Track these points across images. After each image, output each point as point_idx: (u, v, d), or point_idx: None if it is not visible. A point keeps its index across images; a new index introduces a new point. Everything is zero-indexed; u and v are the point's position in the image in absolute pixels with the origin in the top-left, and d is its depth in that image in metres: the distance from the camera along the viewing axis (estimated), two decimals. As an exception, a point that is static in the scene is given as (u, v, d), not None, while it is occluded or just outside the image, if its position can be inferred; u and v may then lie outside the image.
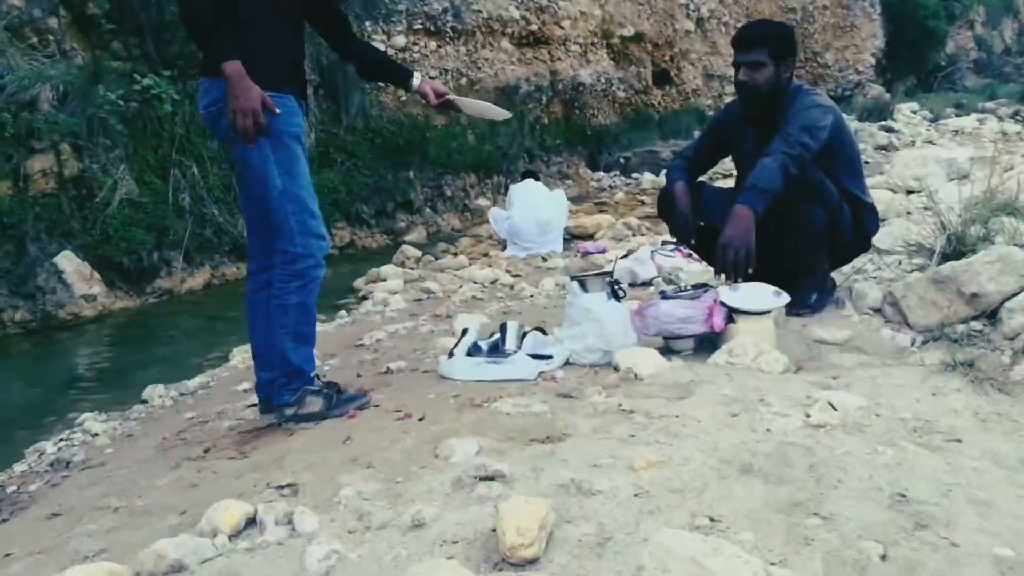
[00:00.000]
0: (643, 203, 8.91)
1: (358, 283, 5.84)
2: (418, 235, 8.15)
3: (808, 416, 1.80)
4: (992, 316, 2.53)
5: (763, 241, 2.81)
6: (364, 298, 5.37)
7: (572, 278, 2.73)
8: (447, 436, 1.99)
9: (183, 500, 1.87)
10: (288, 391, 2.35)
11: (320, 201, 7.81)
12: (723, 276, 2.42)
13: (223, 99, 2.15)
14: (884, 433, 1.68)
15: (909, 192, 6.78)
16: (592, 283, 2.62)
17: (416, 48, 8.89)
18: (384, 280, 5.60)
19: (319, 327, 4.33)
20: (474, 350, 2.66)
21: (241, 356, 3.87)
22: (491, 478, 1.67)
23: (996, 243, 3.02)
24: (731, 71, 11.40)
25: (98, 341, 4.98)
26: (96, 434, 2.86)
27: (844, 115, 10.68)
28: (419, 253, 6.49)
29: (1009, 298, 2.48)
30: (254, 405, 2.76)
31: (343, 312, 4.79)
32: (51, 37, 5.83)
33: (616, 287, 2.64)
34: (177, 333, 5.11)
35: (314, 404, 2.40)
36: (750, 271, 2.41)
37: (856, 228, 2.86)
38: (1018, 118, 13.61)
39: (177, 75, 6.29)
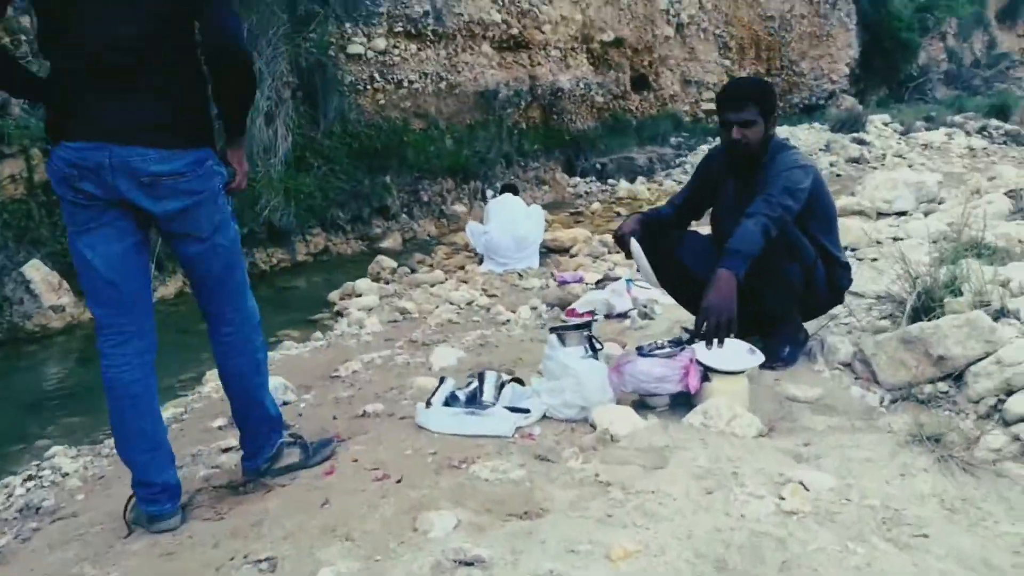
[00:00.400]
0: (619, 214, 8.97)
1: (333, 296, 5.81)
2: (394, 241, 8.12)
3: (781, 499, 1.85)
4: (958, 379, 2.60)
5: (740, 294, 2.87)
6: (339, 314, 5.36)
7: (551, 330, 2.75)
8: (425, 505, 2.01)
9: (159, 573, 1.86)
10: (269, 445, 2.35)
11: (295, 206, 7.74)
12: (700, 339, 2.45)
13: (211, 167, 2.11)
14: (854, 524, 1.73)
15: (880, 215, 6.93)
16: (571, 338, 2.65)
17: (396, 51, 8.83)
18: (359, 295, 5.59)
19: (294, 351, 4.35)
20: (451, 400, 2.68)
21: (215, 383, 3.84)
22: (470, 563, 1.69)
23: (964, 292, 3.10)
24: (708, 77, 11.53)
25: (66, 356, 4.90)
26: (67, 473, 2.83)
27: (817, 124, 10.78)
28: (394, 264, 6.47)
29: (974, 362, 2.56)
30: (229, 450, 2.75)
31: (318, 333, 4.76)
32: (23, 37, 5.69)
33: (593, 341, 2.68)
34: (148, 347, 5.03)
35: (292, 455, 2.41)
36: (730, 335, 2.45)
37: (829, 284, 2.91)
38: (984, 133, 13.88)
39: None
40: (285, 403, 3.21)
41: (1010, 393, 2.41)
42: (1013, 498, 1.85)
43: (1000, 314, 2.88)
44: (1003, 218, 5.37)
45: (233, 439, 2.85)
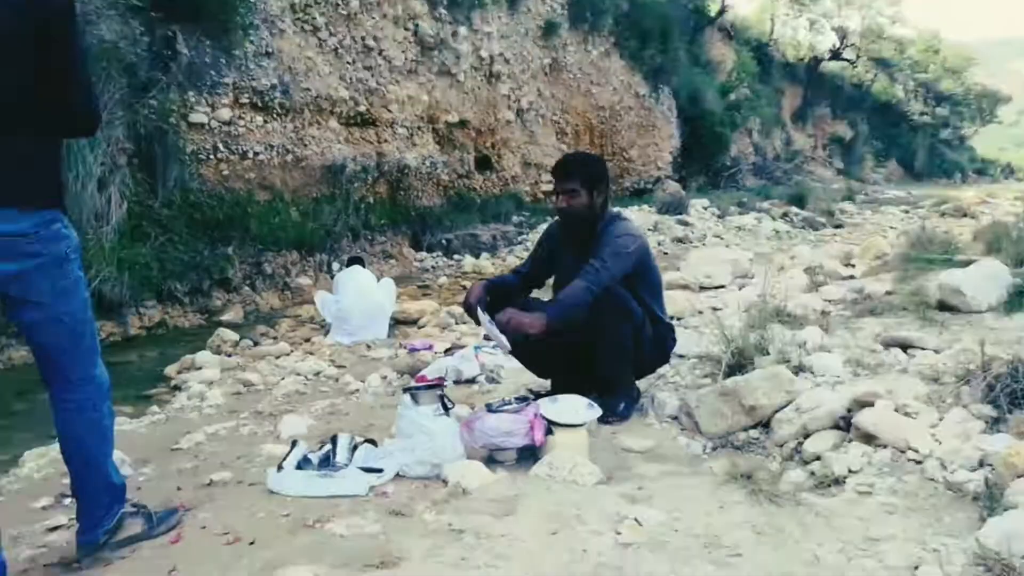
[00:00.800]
0: (464, 287, 9.21)
1: (170, 370, 5.54)
2: (235, 314, 7.86)
3: (619, 534, 2.03)
4: (767, 426, 2.96)
5: (579, 354, 3.13)
6: (177, 388, 5.12)
7: (405, 389, 2.85)
8: (281, 563, 2.01)
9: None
10: (110, 516, 2.25)
11: (129, 278, 7.32)
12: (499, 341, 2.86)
13: (58, 229, 2.07)
14: (681, 550, 1.94)
15: (701, 288, 7.63)
16: (424, 397, 2.75)
17: (242, 122, 8.76)
18: (199, 368, 5.37)
19: (129, 426, 4.12)
20: (304, 463, 2.68)
21: (36, 462, 3.54)
22: (329, 613, 1.72)
23: (770, 351, 3.54)
24: (547, 160, 12.33)
25: None
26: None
27: (647, 207, 11.74)
28: (236, 337, 6.27)
29: (779, 410, 2.93)
30: (58, 528, 2.58)
31: (155, 407, 4.53)
32: None
33: (445, 400, 2.80)
34: (-48, 428, 4.55)
35: (134, 526, 2.32)
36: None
37: (656, 343, 3.23)
38: (787, 218, 15.64)
39: None
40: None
41: (807, 435, 2.79)
42: (808, 521, 2.14)
43: (799, 369, 3.32)
44: (801, 290, 6.11)
45: (63, 517, 2.68)
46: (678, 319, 5.48)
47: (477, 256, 11.45)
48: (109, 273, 6.58)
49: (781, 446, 2.82)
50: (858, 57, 32.26)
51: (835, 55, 30.82)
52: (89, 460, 2.23)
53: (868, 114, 33.01)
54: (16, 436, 4.28)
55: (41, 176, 2.03)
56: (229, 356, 5.81)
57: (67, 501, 2.87)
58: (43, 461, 3.57)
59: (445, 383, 4.02)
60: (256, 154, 8.92)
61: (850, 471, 2.43)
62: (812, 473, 2.52)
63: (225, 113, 8.56)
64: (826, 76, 30.44)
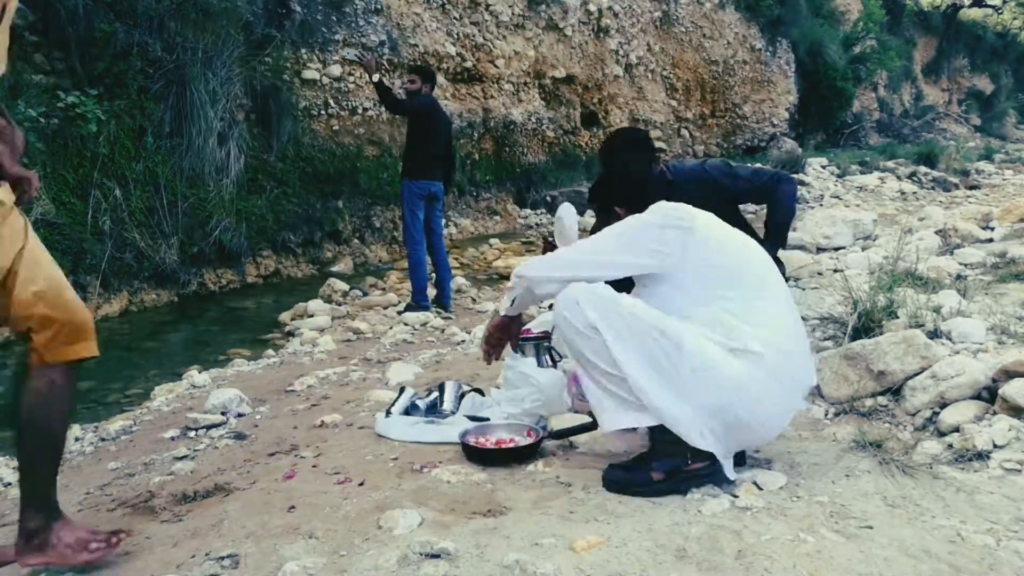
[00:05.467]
0: (569, 244, 9.11)
1: (284, 317, 5.76)
2: (345, 266, 8.08)
3: (735, 497, 1.92)
4: (896, 392, 2.74)
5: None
6: (290, 334, 5.31)
7: (511, 341, 2.80)
8: (389, 505, 2.02)
9: (117, 571, 1.83)
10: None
11: (247, 228, 7.69)
12: None
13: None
14: (804, 517, 1.81)
15: (819, 249, 7.23)
16: (530, 349, 2.70)
17: (351, 78, 8.88)
18: (311, 316, 5.55)
19: (247, 367, 4.29)
20: (412, 409, 2.70)
21: (164, 396, 3.77)
22: (437, 555, 1.72)
23: (899, 316, 3.28)
24: (656, 116, 11.83)
25: (2, 370, 4.73)
26: (9, 483, 2.73)
27: (760, 165, 11.13)
28: (346, 287, 6.45)
29: (911, 377, 2.71)
30: (184, 457, 2.71)
31: (270, 351, 4.71)
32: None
33: (552, 353, 2.74)
34: (90, 364, 4.88)
35: None
36: None
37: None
38: (915, 178, 14.59)
39: (104, 93, 6.09)
40: (240, 415, 3.17)
41: (943, 406, 2.56)
42: (948, 496, 1.96)
43: (933, 335, 3.06)
44: (933, 253, 5.67)
45: (185, 449, 2.82)
46: (796, 280, 5.21)
47: (582, 214, 11.28)
48: (228, 224, 6.87)
49: (913, 415, 2.61)
50: (1004, 3, 29.43)
51: (977, 1, 28.23)
52: (444, 259, 4.73)
53: (1014, 66, 30.19)
54: (147, 372, 4.56)
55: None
56: (339, 305, 5.98)
57: (191, 433, 3.02)
58: (171, 396, 3.78)
59: (551, 337, 3.98)
60: (365, 110, 9.05)
61: (995, 445, 2.22)
62: (950, 446, 2.31)
63: (336, 69, 8.70)
64: (965, 24, 27.96)
